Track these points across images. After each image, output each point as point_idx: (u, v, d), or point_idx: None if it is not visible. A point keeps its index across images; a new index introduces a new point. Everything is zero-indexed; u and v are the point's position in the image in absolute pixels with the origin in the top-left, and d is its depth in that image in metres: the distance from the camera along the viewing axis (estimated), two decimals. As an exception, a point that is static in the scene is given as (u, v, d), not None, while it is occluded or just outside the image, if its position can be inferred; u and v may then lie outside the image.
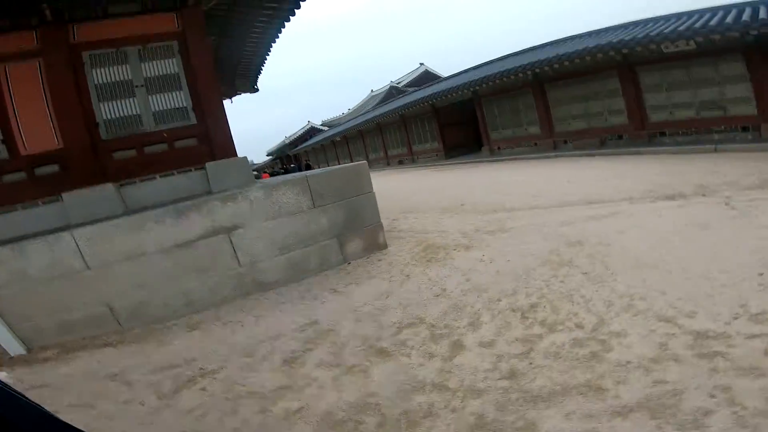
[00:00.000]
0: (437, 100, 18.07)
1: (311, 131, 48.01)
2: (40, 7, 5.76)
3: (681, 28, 9.13)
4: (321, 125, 49.53)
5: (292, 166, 30.46)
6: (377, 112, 26.15)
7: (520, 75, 13.54)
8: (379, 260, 5.20)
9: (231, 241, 4.65)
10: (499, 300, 3.45)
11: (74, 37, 6.03)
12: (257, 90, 17.81)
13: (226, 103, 18.44)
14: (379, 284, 4.39)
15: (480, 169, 13.56)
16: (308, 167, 30.89)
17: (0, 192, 5.62)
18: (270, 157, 60.03)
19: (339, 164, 34.66)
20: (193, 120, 6.22)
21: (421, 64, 40.12)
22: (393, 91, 36.74)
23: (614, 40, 10.39)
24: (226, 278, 4.67)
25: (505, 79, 14.00)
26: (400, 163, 23.49)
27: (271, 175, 30.26)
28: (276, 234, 4.83)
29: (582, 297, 3.29)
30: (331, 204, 5.07)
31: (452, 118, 19.55)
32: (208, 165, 6.09)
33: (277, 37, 10.28)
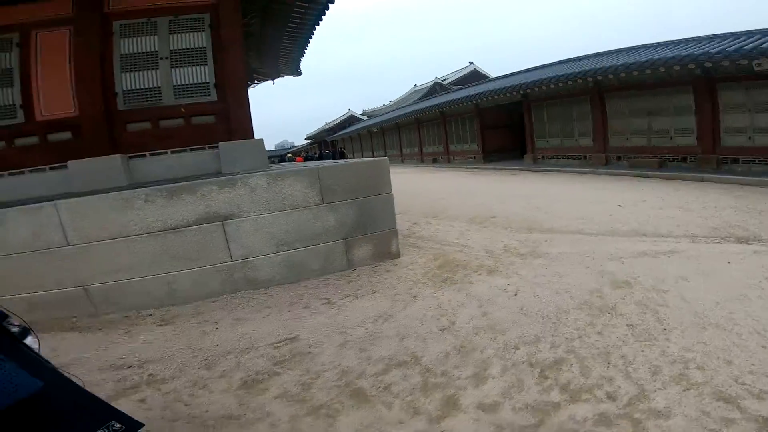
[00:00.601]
0: (482, 100, 17.16)
1: (350, 119, 47.93)
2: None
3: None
4: (361, 114, 49.37)
5: (326, 152, 30.36)
6: (417, 107, 25.48)
7: (580, 81, 12.45)
8: (388, 271, 4.65)
9: (224, 231, 4.25)
10: (517, 348, 2.83)
11: (109, 6, 5.89)
12: (300, 73, 17.70)
13: (267, 84, 18.52)
14: (380, 302, 3.85)
15: (520, 177, 12.65)
16: (342, 155, 30.63)
17: (12, 155, 5.61)
18: (308, 141, 60.82)
19: (373, 156, 34.45)
20: (214, 97, 5.93)
21: (471, 62, 38.86)
22: (437, 87, 35.84)
23: (697, 52, 9.20)
24: (214, 271, 4.29)
25: (561, 83, 12.96)
26: (435, 161, 22.72)
27: (306, 159, 30.32)
28: (276, 228, 4.39)
29: (622, 357, 2.62)
30: (342, 202, 4.56)
31: (496, 120, 18.58)
32: (221, 145, 5.77)
33: (319, 22, 9.96)
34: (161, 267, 4.12)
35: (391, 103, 47.64)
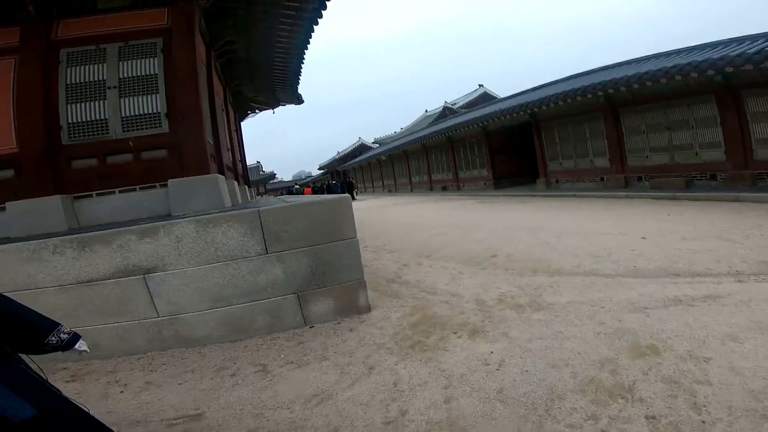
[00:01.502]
0: (489, 122, 16.51)
1: (361, 148, 48.08)
2: (24, 2, 5.36)
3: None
4: (373, 142, 49.55)
5: (333, 182, 30.02)
6: (423, 133, 25.06)
7: (590, 96, 11.67)
8: (351, 330, 3.81)
9: (147, 285, 3.54)
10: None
11: (57, 34, 5.55)
12: (302, 101, 17.57)
13: (267, 113, 18.38)
14: (326, 374, 3.01)
15: (531, 205, 11.70)
16: (350, 186, 30.31)
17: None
18: (321, 170, 61.27)
19: (383, 184, 33.98)
20: (166, 128, 5.37)
21: (480, 85, 38.73)
22: (446, 112, 35.59)
23: (715, 57, 8.35)
24: (139, 327, 3.60)
25: (570, 100, 12.20)
26: (444, 189, 21.97)
27: (314, 191, 30.07)
28: (209, 282, 3.66)
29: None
30: (292, 251, 3.80)
31: (505, 143, 17.85)
32: (170, 182, 5.14)
33: (309, 41, 9.60)
34: (78, 321, 3.44)
35: (402, 130, 47.68)
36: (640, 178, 11.70)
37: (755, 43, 8.37)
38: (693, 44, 10.70)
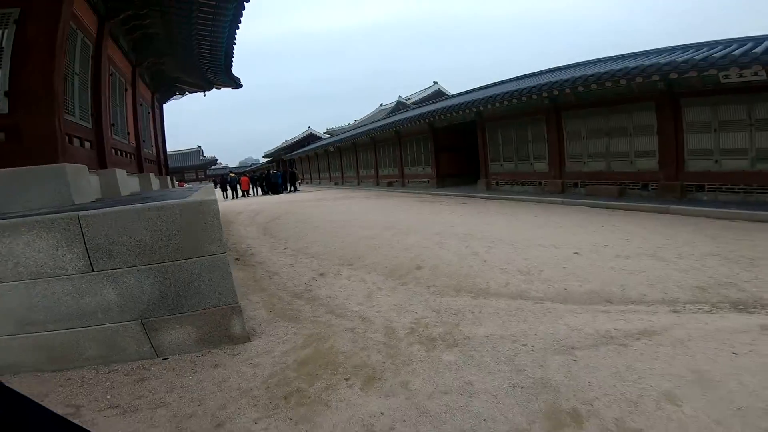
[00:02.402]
0: (436, 118, 16.05)
1: (310, 137, 46.35)
2: None
3: (756, 51, 7.00)
4: (325, 133, 47.99)
5: (273, 172, 28.27)
6: (371, 126, 24.31)
7: (535, 98, 11.46)
8: (215, 366, 2.96)
9: None
10: None
11: None
12: (240, 86, 16.06)
13: (198, 96, 16.69)
14: (152, 428, 2.15)
15: (469, 207, 11.32)
16: (293, 176, 28.83)
17: None
18: (267, 159, 58.46)
19: (330, 178, 32.83)
20: (4, 108, 4.15)
21: (435, 82, 38.69)
22: (400, 106, 35.11)
23: (662, 62, 8.26)
24: None
25: (516, 100, 11.94)
26: (390, 185, 21.38)
27: (251, 180, 28.25)
28: (13, 303, 2.64)
29: None
30: (131, 269, 2.85)
31: (451, 142, 17.53)
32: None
33: (238, 20, 8.49)
34: None
35: (355, 122, 46.58)
36: (576, 184, 11.73)
37: (701, 51, 8.43)
38: (652, 48, 10.75)
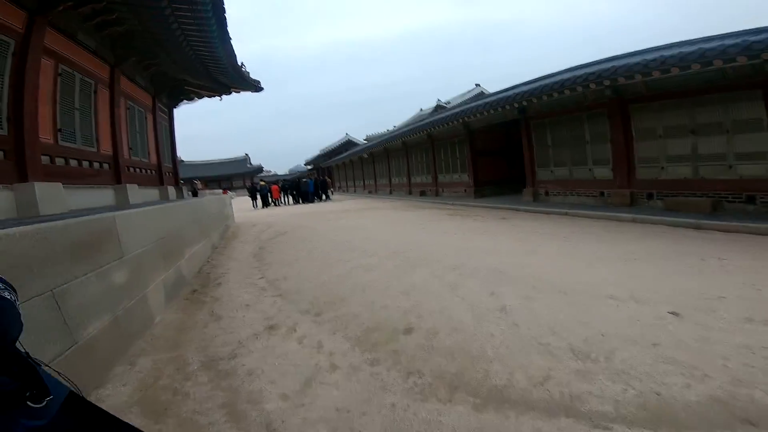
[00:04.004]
0: (472, 117, 14.10)
1: (347, 144, 45.60)
2: None
3: None
4: (364, 139, 47.14)
5: (304, 180, 27.25)
6: (404, 130, 22.70)
7: (593, 87, 9.29)
8: None
9: None
10: None
11: None
12: (260, 88, 15.11)
13: (214, 100, 15.91)
14: None
15: (507, 225, 9.26)
16: (324, 185, 27.77)
17: None
18: (308, 166, 58.66)
19: (364, 184, 31.49)
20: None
21: (477, 84, 36.55)
22: (439, 110, 33.23)
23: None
24: None
25: (568, 91, 9.80)
26: (422, 194, 19.56)
27: (281, 189, 27.47)
28: None
29: None
30: None
31: (490, 145, 15.50)
32: None
33: (222, 12, 7.38)
34: None
35: (394, 128, 45.30)
36: (650, 196, 9.33)
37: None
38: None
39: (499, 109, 12.42)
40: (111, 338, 3.25)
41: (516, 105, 11.70)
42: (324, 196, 26.74)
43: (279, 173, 68.25)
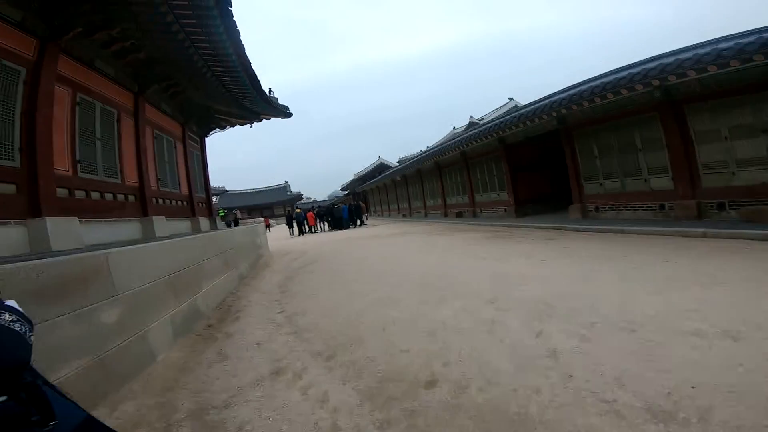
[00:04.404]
0: (506, 131, 13.39)
1: (380, 168, 45.67)
2: None
3: None
4: (397, 162, 47.16)
5: (336, 206, 27.22)
6: (435, 150, 22.22)
7: (640, 89, 8.42)
8: None
9: None
10: None
11: None
12: (289, 114, 15.25)
13: (245, 128, 16.16)
14: None
15: (554, 247, 8.36)
16: (358, 210, 27.55)
17: None
18: (344, 192, 59.30)
19: (398, 208, 31.03)
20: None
21: (510, 98, 35.53)
22: (472, 128, 32.60)
23: None
24: None
25: (612, 95, 8.97)
26: (459, 215, 18.78)
27: (317, 216, 27.54)
28: None
29: None
30: None
31: (529, 160, 14.66)
32: None
33: (230, 20, 7.35)
34: None
35: (427, 149, 45.05)
36: (721, 206, 8.16)
37: None
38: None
39: (536, 120, 11.66)
40: (91, 380, 2.88)
41: (554, 114, 10.92)
42: (359, 222, 26.50)
43: (318, 199, 69.19)
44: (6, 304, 1.07)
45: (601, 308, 3.89)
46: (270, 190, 61.44)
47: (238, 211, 29.62)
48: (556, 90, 12.35)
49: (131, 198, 7.64)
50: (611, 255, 6.49)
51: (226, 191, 55.17)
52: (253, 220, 39.38)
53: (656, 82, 7.94)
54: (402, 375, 3.05)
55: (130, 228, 7.40)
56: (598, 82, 9.49)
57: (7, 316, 1.01)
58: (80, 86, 6.28)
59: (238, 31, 7.17)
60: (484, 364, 3.04)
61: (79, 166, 6.08)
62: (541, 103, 11.72)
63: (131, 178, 7.69)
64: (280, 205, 57.84)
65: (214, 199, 51.18)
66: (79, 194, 6.09)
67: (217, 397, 3.11)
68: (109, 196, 6.89)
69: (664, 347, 2.89)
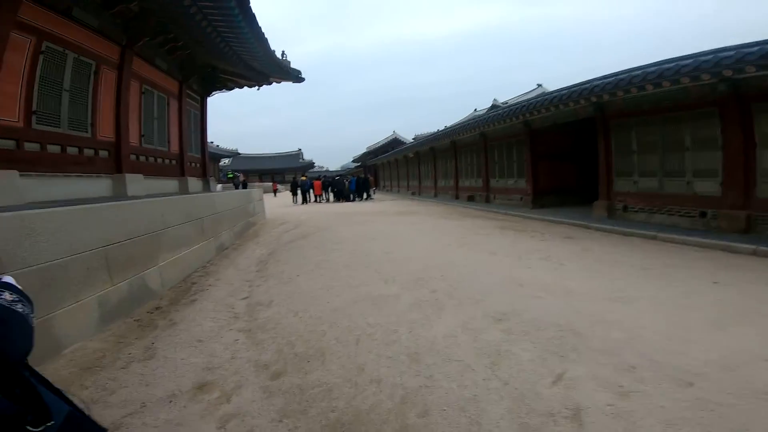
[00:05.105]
0: (534, 114, 12.17)
1: (394, 142, 44.40)
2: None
3: None
4: (413, 139, 45.84)
5: (336, 178, 26.05)
6: (454, 128, 20.99)
7: (706, 79, 7.20)
8: None
9: None
10: None
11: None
12: (301, 79, 14.40)
13: (252, 90, 15.21)
14: None
15: (573, 248, 7.36)
16: (365, 184, 26.62)
17: None
18: (356, 164, 58.29)
19: (408, 185, 30.06)
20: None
21: (539, 85, 33.79)
22: (495, 110, 31.05)
23: None
24: None
25: (668, 84, 7.75)
26: (470, 199, 17.73)
27: (323, 186, 26.66)
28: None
29: None
30: None
31: (555, 147, 13.46)
32: None
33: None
34: None
35: (445, 128, 43.54)
36: (777, 221, 7.05)
37: None
38: None
39: (570, 105, 10.43)
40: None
41: (594, 99, 9.69)
42: (365, 195, 25.74)
43: (331, 169, 69.10)
44: (3, 280, 0.91)
45: (641, 343, 2.98)
46: (283, 156, 60.65)
47: (241, 174, 28.86)
48: (591, 77, 11.00)
49: (103, 153, 6.81)
50: (646, 265, 5.51)
51: (239, 154, 54.34)
52: (261, 184, 38.68)
53: (728, 73, 6.71)
54: (364, 420, 2.22)
55: (97, 185, 6.61)
56: (652, 69, 8.21)
57: (7, 296, 0.86)
58: (49, 35, 5.40)
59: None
60: (474, 421, 2.17)
61: (34, 117, 5.24)
62: (577, 88, 10.44)
63: (106, 133, 6.84)
64: (292, 172, 57.11)
65: (226, 161, 50.53)
66: (31, 147, 5.26)
67: (111, 414, 2.35)
68: (72, 150, 6.06)
69: (738, 413, 1.99)
